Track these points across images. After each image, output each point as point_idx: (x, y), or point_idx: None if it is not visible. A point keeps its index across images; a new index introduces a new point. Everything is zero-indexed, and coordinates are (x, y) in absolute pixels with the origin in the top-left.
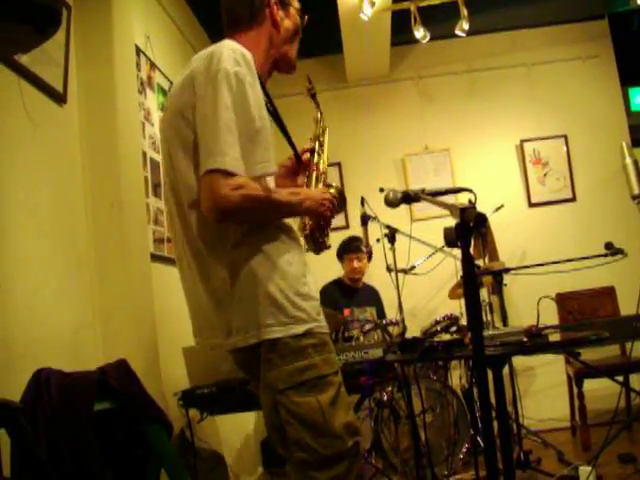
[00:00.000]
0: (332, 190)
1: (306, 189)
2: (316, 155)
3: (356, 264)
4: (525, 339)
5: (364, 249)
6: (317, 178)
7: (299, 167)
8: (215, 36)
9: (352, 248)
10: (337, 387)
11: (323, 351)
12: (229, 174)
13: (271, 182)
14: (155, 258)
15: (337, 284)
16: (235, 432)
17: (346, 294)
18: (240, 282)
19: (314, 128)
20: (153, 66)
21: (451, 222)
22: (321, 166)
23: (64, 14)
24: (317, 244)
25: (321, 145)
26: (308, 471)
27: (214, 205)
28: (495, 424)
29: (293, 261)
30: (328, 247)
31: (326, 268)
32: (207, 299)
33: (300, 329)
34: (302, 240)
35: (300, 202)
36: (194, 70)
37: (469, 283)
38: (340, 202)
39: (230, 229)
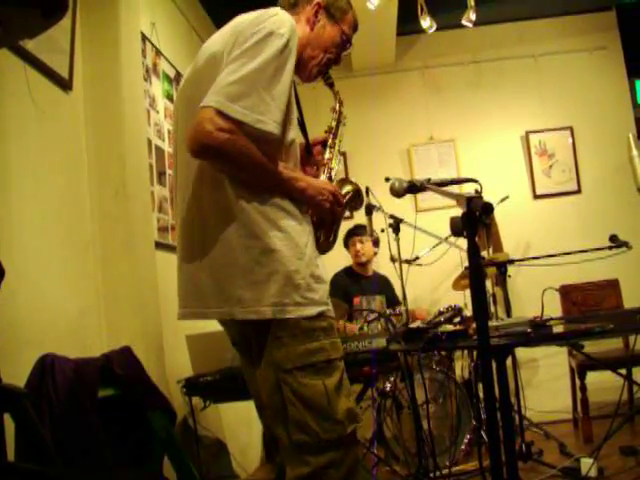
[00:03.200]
0: (348, 187)
1: (303, 174)
2: (328, 150)
3: (359, 246)
4: (529, 330)
5: (367, 236)
6: (327, 174)
7: (309, 158)
8: (220, 23)
9: (354, 232)
10: (342, 372)
11: (331, 335)
12: (222, 114)
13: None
14: (159, 246)
15: (347, 272)
16: (238, 420)
17: (356, 282)
18: (255, 255)
19: (330, 119)
20: (158, 53)
21: (455, 214)
22: (332, 163)
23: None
24: (320, 243)
25: (334, 138)
26: (304, 455)
27: (195, 136)
28: (497, 415)
29: (309, 242)
30: (329, 247)
31: (336, 257)
32: (206, 264)
33: (314, 311)
34: None
35: (295, 179)
36: (239, 23)
37: (475, 272)
38: (355, 201)
39: (249, 195)
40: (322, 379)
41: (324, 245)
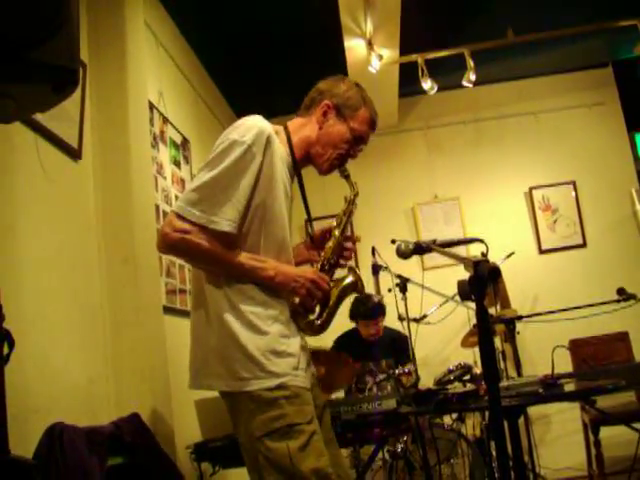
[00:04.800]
0: (351, 277)
1: (278, 263)
2: (332, 239)
3: (372, 330)
4: (541, 389)
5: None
6: (321, 262)
7: (314, 245)
8: (225, 89)
9: (366, 315)
10: (309, 435)
11: (295, 402)
12: (180, 217)
13: (280, 251)
14: (167, 310)
15: (353, 335)
16: None
17: (361, 348)
18: (221, 336)
19: (341, 208)
20: (165, 121)
21: (462, 270)
22: (329, 252)
23: (80, 72)
24: (303, 325)
25: (338, 227)
26: None
27: (158, 237)
28: (512, 475)
29: (275, 323)
30: (319, 330)
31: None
32: (193, 343)
33: (273, 382)
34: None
35: (261, 269)
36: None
37: (484, 337)
38: (351, 289)
39: (218, 282)
40: (286, 442)
41: (316, 327)
